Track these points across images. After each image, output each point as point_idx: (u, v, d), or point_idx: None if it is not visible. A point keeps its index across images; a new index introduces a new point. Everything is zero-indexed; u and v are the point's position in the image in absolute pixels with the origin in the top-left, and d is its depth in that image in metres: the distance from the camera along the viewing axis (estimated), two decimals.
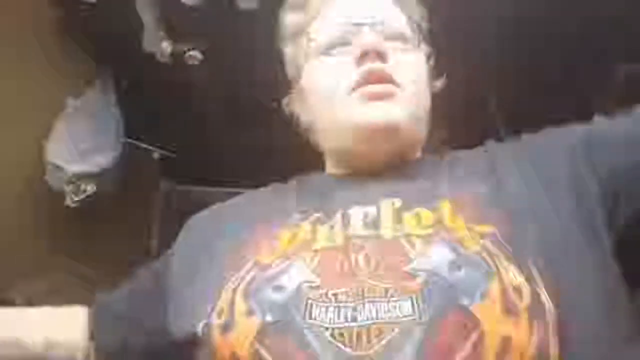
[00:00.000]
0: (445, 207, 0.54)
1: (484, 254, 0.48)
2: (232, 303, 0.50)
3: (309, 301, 0.46)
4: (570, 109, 1.47)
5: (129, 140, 1.65)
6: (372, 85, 0.61)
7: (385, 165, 0.64)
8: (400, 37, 0.67)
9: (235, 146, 1.70)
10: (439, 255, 0.48)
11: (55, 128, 1.41)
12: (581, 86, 1.41)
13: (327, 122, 0.66)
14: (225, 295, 0.51)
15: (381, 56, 0.62)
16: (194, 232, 0.68)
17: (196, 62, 1.34)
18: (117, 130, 1.53)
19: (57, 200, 1.39)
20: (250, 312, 0.48)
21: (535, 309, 0.44)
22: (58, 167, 1.38)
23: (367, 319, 0.44)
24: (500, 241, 0.49)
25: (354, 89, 0.61)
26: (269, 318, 0.46)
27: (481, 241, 0.49)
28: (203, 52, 1.30)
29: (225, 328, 0.48)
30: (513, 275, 0.45)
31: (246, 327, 0.47)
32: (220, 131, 1.66)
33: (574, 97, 1.43)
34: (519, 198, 0.54)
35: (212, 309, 0.51)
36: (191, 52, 1.32)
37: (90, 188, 1.41)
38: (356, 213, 0.56)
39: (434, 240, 0.50)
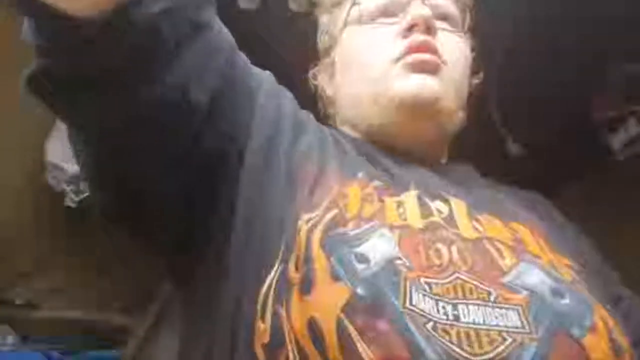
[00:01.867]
0: (520, 226, 0.52)
1: (578, 285, 0.46)
2: (308, 250, 0.43)
3: (408, 283, 0.41)
4: (571, 109, 1.48)
5: None
6: (419, 54, 0.58)
7: (421, 144, 0.61)
8: (449, 18, 0.64)
9: None
10: (535, 277, 0.44)
11: (55, 128, 1.41)
12: (581, 86, 1.41)
13: (364, 93, 0.62)
14: (299, 237, 0.44)
15: (430, 30, 0.59)
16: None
17: None
18: None
19: (57, 200, 1.39)
20: (335, 276, 0.41)
21: (632, 349, 0.43)
22: (58, 167, 1.38)
23: (474, 322, 0.40)
24: (583, 274, 0.49)
25: (398, 59, 0.58)
26: (360, 291, 0.40)
27: (570, 271, 0.48)
28: None
29: (304, 288, 0.41)
30: (605, 311, 0.44)
31: (332, 293, 0.40)
32: None
33: (574, 97, 1.43)
34: (581, 252, 0.56)
35: (288, 248, 0.44)
36: None
37: None
38: (430, 201, 0.51)
39: (523, 257, 0.46)
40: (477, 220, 0.50)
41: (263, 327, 0.41)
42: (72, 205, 1.39)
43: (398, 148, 0.60)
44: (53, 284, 1.55)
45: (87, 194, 1.41)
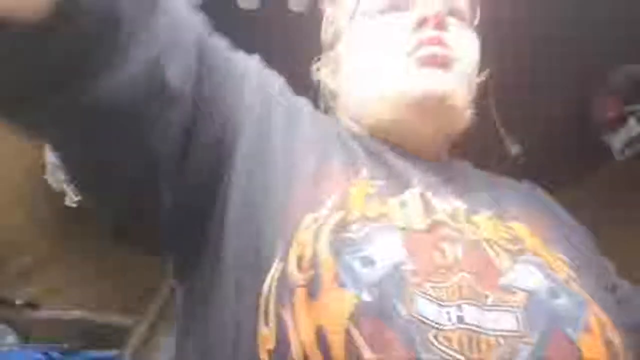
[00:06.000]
0: (519, 225, 0.51)
1: (572, 283, 0.46)
2: (315, 252, 0.41)
3: (412, 290, 0.40)
4: (571, 109, 1.48)
5: None
6: (431, 47, 0.56)
7: (427, 141, 0.59)
8: (460, 14, 0.62)
9: None
10: (532, 276, 0.44)
11: None
12: (581, 86, 1.41)
13: (371, 88, 0.60)
14: (304, 236, 0.42)
15: (441, 25, 0.57)
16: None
17: None
18: None
19: (57, 200, 1.39)
20: (341, 282, 0.39)
21: (624, 346, 0.43)
22: (58, 167, 1.38)
23: (475, 325, 0.39)
24: (577, 269, 0.48)
25: (409, 54, 0.56)
26: (366, 297, 0.39)
27: (565, 269, 0.47)
28: None
29: (311, 292, 0.39)
30: (599, 309, 0.44)
31: (339, 302, 0.39)
32: None
33: (574, 97, 1.43)
34: (577, 247, 0.55)
35: (288, 247, 0.42)
36: None
37: None
38: (435, 199, 0.50)
39: (520, 258, 0.46)
40: (475, 222, 0.50)
41: (267, 332, 0.40)
42: (72, 205, 1.39)
43: (404, 144, 0.58)
44: (53, 284, 1.55)
45: None
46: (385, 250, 0.42)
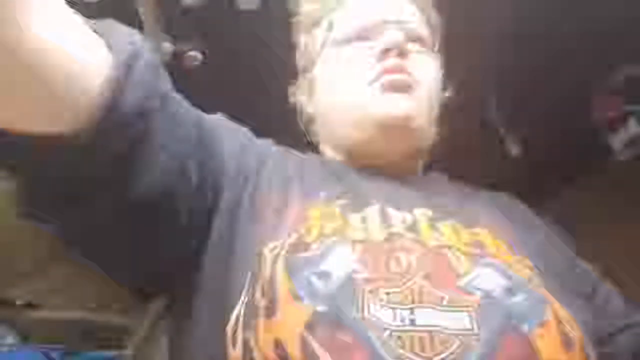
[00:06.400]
0: (483, 230, 0.55)
1: (535, 284, 0.48)
2: (272, 276, 0.45)
3: (366, 295, 0.43)
4: (571, 109, 1.48)
5: None
6: (393, 75, 0.61)
7: (396, 161, 0.64)
8: (420, 39, 0.67)
9: None
10: (490, 277, 0.46)
11: None
12: (581, 86, 1.41)
13: (342, 112, 0.65)
14: (265, 265, 0.46)
15: (403, 54, 0.62)
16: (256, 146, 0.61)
17: (196, 63, 1.34)
18: None
19: None
20: (296, 297, 0.43)
21: (585, 343, 0.45)
22: None
23: (428, 325, 0.41)
24: (541, 272, 0.51)
25: (373, 81, 0.62)
26: (321, 307, 0.42)
27: (529, 272, 0.50)
28: (203, 53, 1.31)
29: (269, 312, 0.43)
30: (560, 307, 0.46)
31: (294, 314, 0.42)
32: None
33: (574, 97, 1.43)
34: (546, 251, 0.58)
35: (254, 278, 0.46)
36: (191, 53, 1.33)
37: None
38: (394, 212, 0.54)
39: (480, 261, 0.48)
40: (438, 228, 0.53)
41: (235, 355, 0.43)
42: None
43: (374, 165, 0.63)
44: (53, 285, 1.55)
45: None
46: (340, 263, 0.46)
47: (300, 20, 0.75)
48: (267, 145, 0.64)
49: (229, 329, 0.44)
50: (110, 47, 0.44)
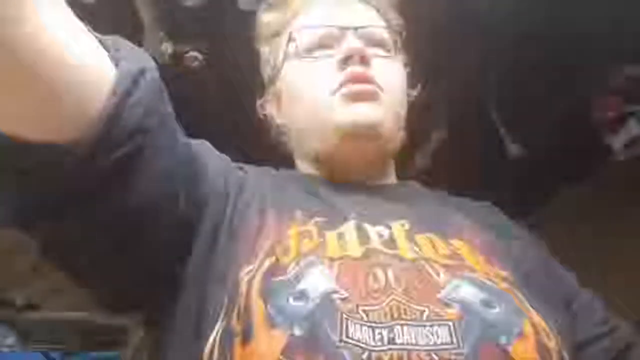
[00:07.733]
0: (460, 242, 0.55)
1: (512, 295, 0.48)
2: (248, 301, 0.45)
3: (343, 316, 0.43)
4: (571, 109, 1.48)
5: None
6: (356, 85, 0.61)
7: (366, 169, 0.64)
8: (381, 44, 0.67)
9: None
10: (468, 290, 0.47)
11: None
12: (581, 86, 1.41)
13: (307, 123, 0.65)
14: (241, 289, 0.46)
15: (364, 61, 0.62)
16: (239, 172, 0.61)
17: (196, 63, 1.34)
18: None
19: None
20: (272, 323, 0.43)
21: (561, 352, 0.45)
22: None
23: (407, 344, 0.41)
24: (519, 284, 0.51)
25: (336, 90, 0.62)
26: (297, 332, 0.42)
27: (505, 283, 0.50)
28: (203, 53, 1.31)
29: (245, 338, 0.43)
30: (538, 318, 0.46)
31: (270, 340, 0.42)
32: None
33: (574, 97, 1.43)
34: (524, 262, 0.58)
35: (230, 303, 0.46)
36: (191, 53, 1.33)
37: None
38: (370, 227, 0.54)
39: (458, 273, 0.49)
40: (415, 241, 0.53)
41: None
42: None
43: (343, 175, 0.63)
44: (53, 285, 1.55)
45: None
46: (317, 282, 0.45)
47: (261, 31, 0.74)
48: (245, 168, 0.64)
49: (205, 355, 0.44)
50: (116, 60, 0.44)
